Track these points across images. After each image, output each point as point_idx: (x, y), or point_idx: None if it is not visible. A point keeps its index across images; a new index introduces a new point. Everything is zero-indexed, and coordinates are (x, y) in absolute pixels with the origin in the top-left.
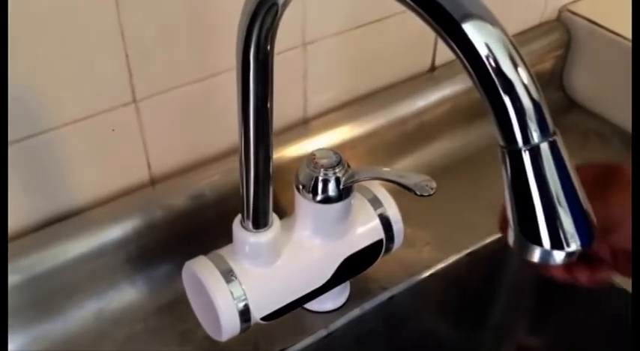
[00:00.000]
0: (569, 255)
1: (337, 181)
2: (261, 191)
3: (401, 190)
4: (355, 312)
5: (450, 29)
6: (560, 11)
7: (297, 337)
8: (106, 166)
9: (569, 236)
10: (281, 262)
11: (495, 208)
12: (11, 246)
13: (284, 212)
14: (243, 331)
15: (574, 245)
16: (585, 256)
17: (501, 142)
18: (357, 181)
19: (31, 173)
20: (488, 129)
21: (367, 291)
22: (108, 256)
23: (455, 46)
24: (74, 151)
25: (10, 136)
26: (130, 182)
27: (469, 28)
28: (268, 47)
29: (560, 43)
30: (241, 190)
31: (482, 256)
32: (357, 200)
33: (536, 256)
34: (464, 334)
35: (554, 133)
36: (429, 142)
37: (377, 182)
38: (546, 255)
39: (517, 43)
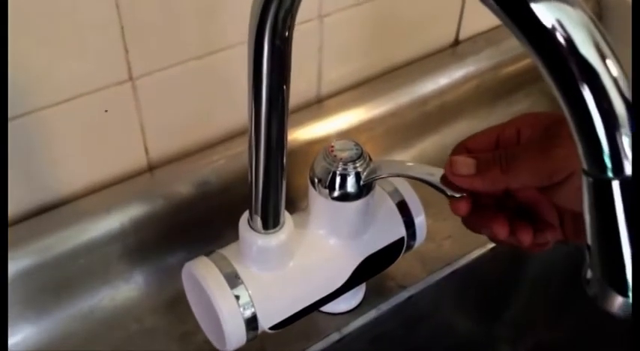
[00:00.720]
0: None
1: (357, 176)
2: (273, 188)
3: (429, 159)
4: (371, 314)
5: (514, 12)
6: None
7: (308, 342)
8: (98, 151)
9: None
10: (293, 266)
11: None
12: None
13: (293, 202)
14: (249, 340)
15: None
16: (529, 216)
17: (584, 166)
18: (378, 177)
19: (15, 159)
20: (515, 109)
21: (384, 290)
22: (100, 251)
23: (520, 33)
24: (62, 135)
25: None
26: (125, 169)
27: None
28: (287, 33)
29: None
30: (250, 185)
31: (506, 250)
32: (376, 193)
33: (618, 306)
34: (483, 329)
35: None
36: (450, 123)
37: None
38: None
39: None
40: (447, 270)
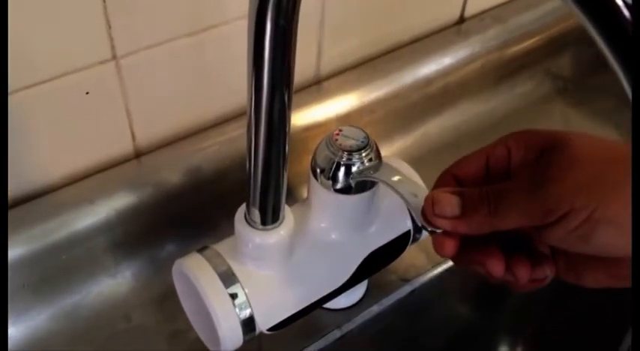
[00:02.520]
0: None
1: (363, 166)
2: (274, 180)
3: (421, 154)
4: (373, 309)
5: None
6: None
7: (307, 340)
8: (80, 137)
9: None
10: (293, 263)
11: None
12: None
13: (290, 190)
14: (245, 343)
15: None
16: (524, 248)
17: None
18: (367, 178)
19: None
20: (519, 90)
21: (386, 284)
22: (84, 244)
23: None
24: (40, 119)
25: None
26: (110, 156)
27: None
28: (292, 10)
29: None
30: (248, 176)
31: None
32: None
33: None
34: (485, 320)
35: None
36: (453, 105)
37: (400, 159)
38: None
39: None
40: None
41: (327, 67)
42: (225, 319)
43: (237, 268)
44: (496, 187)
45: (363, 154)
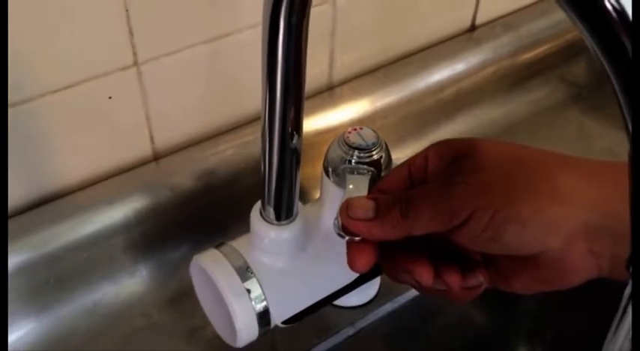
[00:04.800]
0: None
1: (374, 164)
2: (288, 177)
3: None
4: (386, 307)
5: None
6: None
7: (320, 337)
8: (101, 140)
9: None
10: (306, 258)
11: None
12: None
13: (304, 193)
14: (261, 335)
15: None
16: (454, 257)
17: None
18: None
19: (14, 148)
20: (533, 96)
21: (399, 284)
22: (103, 244)
23: None
24: (63, 123)
25: None
26: (130, 158)
27: None
28: (305, 9)
29: None
30: (263, 174)
31: None
32: None
33: None
34: (500, 322)
35: None
36: (466, 111)
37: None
38: None
39: None
40: None
41: (339, 74)
42: (242, 312)
43: (252, 263)
44: (408, 192)
45: (374, 152)
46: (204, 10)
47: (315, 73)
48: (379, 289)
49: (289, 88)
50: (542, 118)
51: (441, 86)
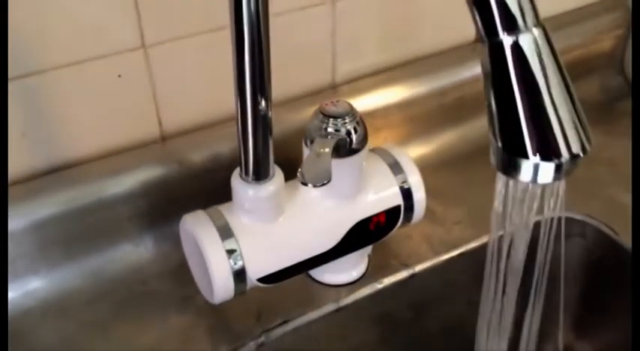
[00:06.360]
0: (560, 168)
1: (347, 133)
2: (261, 137)
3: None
4: (371, 288)
5: None
6: None
7: (303, 310)
8: (111, 117)
9: (560, 144)
10: (283, 219)
11: None
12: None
13: None
14: (238, 293)
15: (566, 154)
16: None
17: (481, 32)
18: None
19: (30, 116)
20: None
21: (387, 267)
22: (110, 210)
23: None
24: (76, 96)
25: (10, 72)
26: (138, 138)
27: None
28: None
29: (620, 21)
30: (238, 138)
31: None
32: (375, 164)
33: (522, 172)
34: None
35: (542, 25)
36: (470, 119)
37: (398, 147)
38: (534, 170)
39: (573, 19)
40: (454, 252)
41: (341, 78)
42: (219, 269)
43: (233, 223)
44: None
45: (347, 121)
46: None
47: (318, 77)
48: (366, 271)
49: (255, 54)
50: None
51: (444, 91)
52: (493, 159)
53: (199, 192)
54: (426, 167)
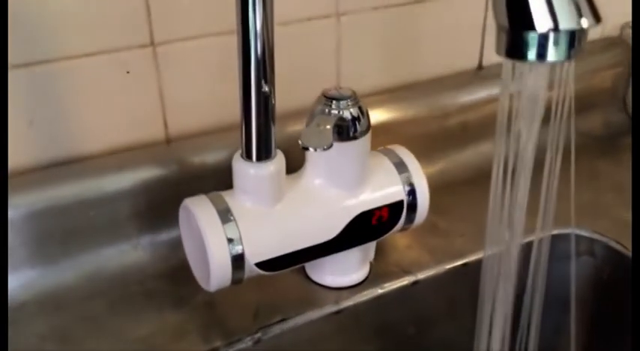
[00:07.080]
0: (570, 41)
1: (350, 117)
2: (263, 114)
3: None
4: (371, 292)
5: None
6: (622, 28)
7: (302, 310)
8: (118, 114)
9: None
10: (285, 205)
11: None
12: (10, 182)
13: None
14: (235, 280)
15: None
16: None
17: None
18: None
19: (37, 105)
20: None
21: (388, 273)
22: (110, 206)
23: None
24: (85, 89)
25: (17, 59)
26: (143, 138)
27: None
28: None
29: (620, 59)
30: (241, 116)
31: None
32: (380, 162)
33: (530, 50)
34: None
35: None
36: (473, 144)
37: (404, 147)
38: (543, 45)
39: None
40: (457, 262)
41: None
42: (218, 252)
43: (234, 207)
44: None
45: (350, 104)
46: (220, 3)
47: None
48: (367, 275)
49: (260, 38)
50: None
51: (446, 113)
52: (498, 47)
53: (200, 194)
54: (429, 187)
